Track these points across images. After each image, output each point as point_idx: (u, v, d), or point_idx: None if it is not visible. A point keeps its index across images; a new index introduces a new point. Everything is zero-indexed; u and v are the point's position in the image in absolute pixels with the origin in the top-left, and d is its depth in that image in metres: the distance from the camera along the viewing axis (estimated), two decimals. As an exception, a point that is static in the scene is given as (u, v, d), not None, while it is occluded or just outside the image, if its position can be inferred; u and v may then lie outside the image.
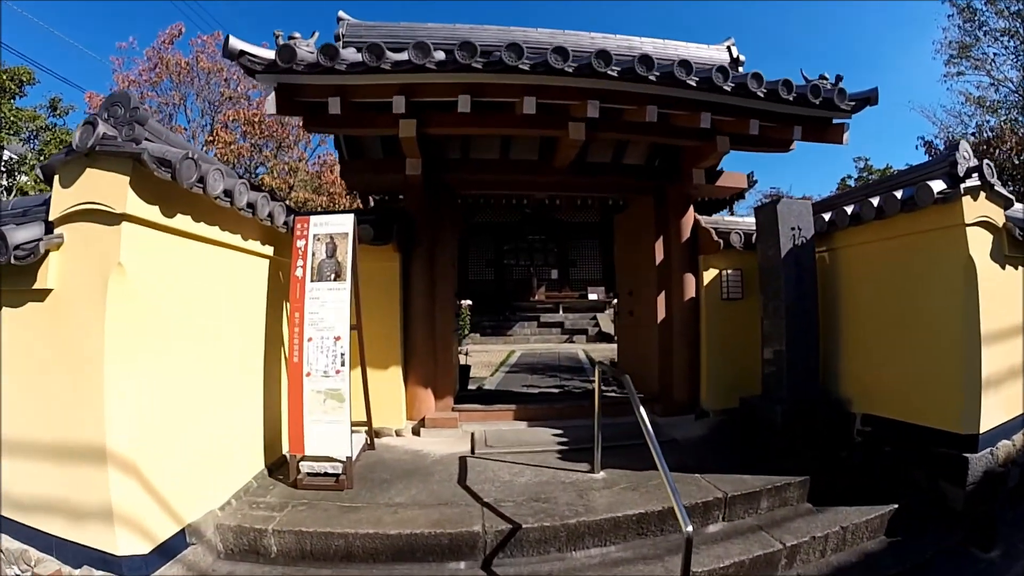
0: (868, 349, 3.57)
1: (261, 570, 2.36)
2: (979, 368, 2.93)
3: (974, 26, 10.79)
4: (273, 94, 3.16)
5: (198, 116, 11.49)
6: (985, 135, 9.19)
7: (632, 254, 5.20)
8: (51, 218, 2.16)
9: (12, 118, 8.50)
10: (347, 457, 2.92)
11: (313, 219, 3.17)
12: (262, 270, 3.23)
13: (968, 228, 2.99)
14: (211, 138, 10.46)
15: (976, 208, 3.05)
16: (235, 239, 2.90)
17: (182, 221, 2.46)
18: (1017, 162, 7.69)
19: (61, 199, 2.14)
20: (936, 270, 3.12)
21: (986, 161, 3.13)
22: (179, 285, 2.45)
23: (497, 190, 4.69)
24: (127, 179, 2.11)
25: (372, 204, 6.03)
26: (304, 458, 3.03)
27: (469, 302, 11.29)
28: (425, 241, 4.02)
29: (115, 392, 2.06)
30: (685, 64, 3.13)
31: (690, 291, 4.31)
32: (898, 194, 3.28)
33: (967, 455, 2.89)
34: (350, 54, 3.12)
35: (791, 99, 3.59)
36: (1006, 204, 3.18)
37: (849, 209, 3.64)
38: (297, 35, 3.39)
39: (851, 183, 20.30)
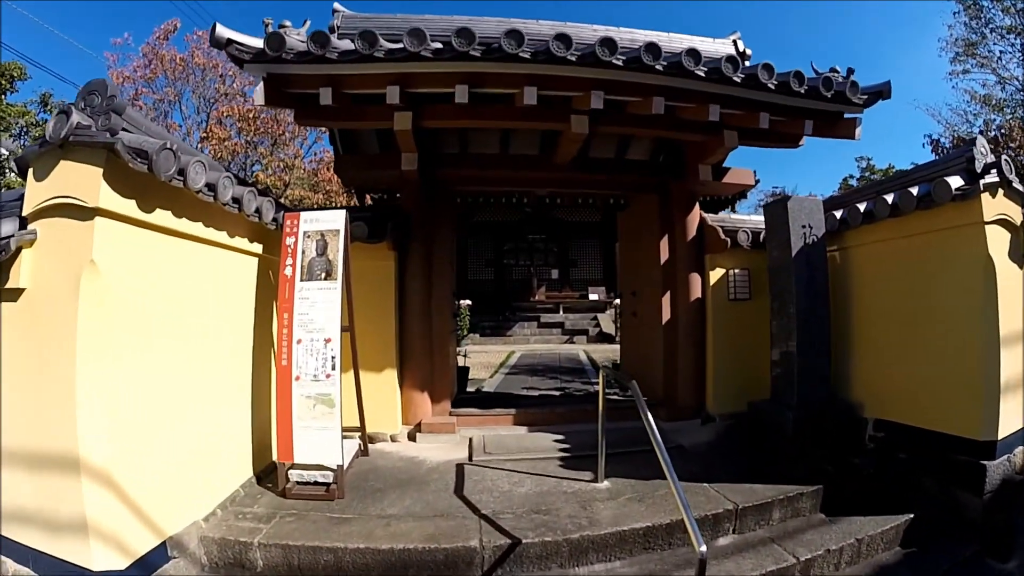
0: (880, 352, 3.46)
1: (245, 587, 2.22)
2: (997, 371, 2.82)
3: (980, 23, 10.63)
4: (262, 84, 3.01)
5: (194, 113, 11.38)
6: (992, 133, 9.06)
7: (636, 253, 5.06)
8: (25, 213, 2.04)
9: (2, 114, 8.35)
10: (338, 465, 2.78)
11: (303, 216, 3.03)
12: (251, 269, 3.10)
13: (987, 226, 2.88)
14: (205, 134, 10.29)
15: (994, 205, 2.94)
16: (221, 236, 2.77)
17: (162, 216, 2.34)
18: (1026, 160, 7.57)
19: (35, 193, 2.02)
20: (953, 270, 3.00)
21: (1004, 157, 3.01)
22: (160, 284, 2.33)
23: (496, 187, 4.54)
24: (100, 171, 1.99)
25: (370, 203, 5.90)
26: (293, 466, 2.89)
27: (468, 302, 11.18)
28: (421, 239, 3.87)
29: (88, 397, 1.94)
30: (693, 53, 2.99)
31: (696, 291, 4.17)
32: (914, 191, 3.16)
33: (984, 462, 2.78)
34: (342, 43, 2.98)
35: (802, 92, 3.45)
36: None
37: (862, 206, 3.53)
38: (288, 23, 3.25)
39: (853, 183, 20.20)
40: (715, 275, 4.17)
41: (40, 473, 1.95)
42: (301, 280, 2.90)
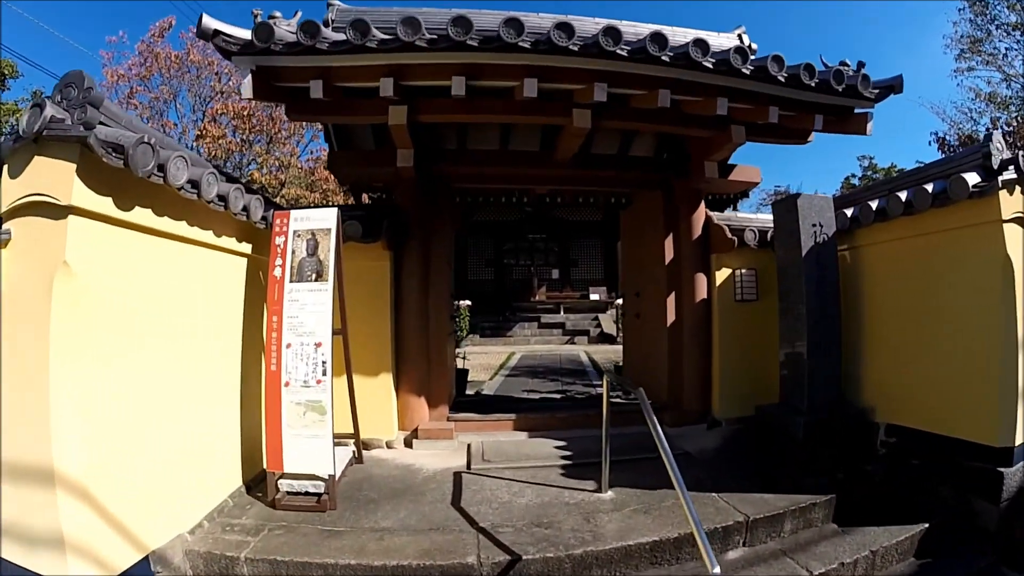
0: (892, 354, 3.35)
1: (230, 606, 2.10)
2: (1016, 375, 2.71)
3: (985, 20, 10.51)
4: (249, 77, 2.88)
5: (189, 112, 11.23)
6: (999, 130, 8.92)
7: (639, 253, 4.93)
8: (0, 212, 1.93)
9: (-8, 112, 8.25)
10: (329, 475, 2.65)
11: (293, 214, 2.90)
12: (239, 270, 2.99)
13: (1004, 224, 2.77)
14: (200, 132, 10.15)
15: (1012, 203, 2.82)
16: (206, 236, 2.66)
17: (142, 215, 2.23)
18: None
19: (9, 191, 1.92)
20: (968, 269, 2.89)
21: (1021, 153, 2.89)
22: (141, 286, 2.22)
23: (496, 184, 4.41)
24: (73, 167, 1.88)
25: (368, 202, 5.78)
26: (284, 475, 2.77)
27: (468, 303, 11.06)
28: (418, 238, 3.74)
29: (63, 404, 1.84)
30: (701, 44, 2.87)
31: (701, 292, 4.04)
32: (928, 187, 3.05)
33: (1001, 469, 2.69)
34: (335, 35, 2.86)
35: (813, 85, 3.32)
36: (1042, 199, 2.93)
37: (874, 204, 3.41)
38: (277, 14, 3.13)
39: (855, 182, 20.07)
40: (721, 275, 4.05)
41: (13, 484, 1.85)
42: (291, 281, 2.78)
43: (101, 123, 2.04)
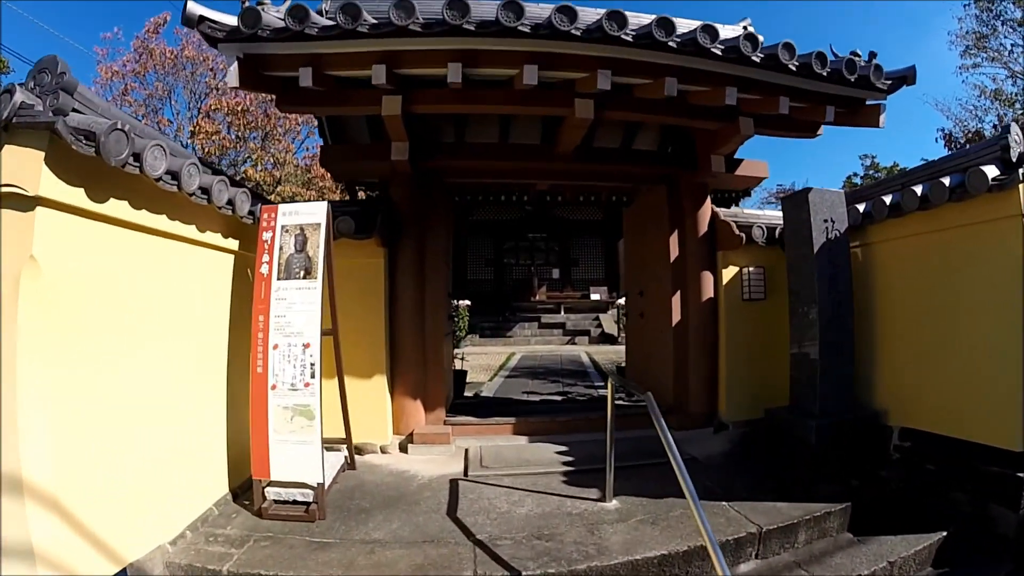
0: (906, 355, 3.23)
1: (209, 624, 1.97)
2: (1037, 377, 2.57)
3: (991, 16, 10.38)
4: (235, 64, 2.75)
5: (185, 109, 11.06)
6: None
7: (642, 250, 4.78)
8: (-28, 205, 1.82)
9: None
10: (318, 483, 2.51)
11: (281, 208, 2.76)
12: (225, 267, 2.86)
13: (1024, 220, 2.62)
14: (194, 128, 10.00)
15: (1031, 198, 2.69)
16: (189, 231, 2.52)
17: (118, 207, 2.10)
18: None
19: (-22, 182, 1.80)
20: (986, 267, 2.77)
21: (1042, 145, 2.75)
22: (117, 282, 2.09)
23: (495, 179, 4.26)
24: (42, 155, 1.76)
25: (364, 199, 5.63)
26: (271, 483, 2.63)
27: (467, 302, 10.92)
28: (413, 234, 3.61)
29: (32, 409, 1.72)
30: (709, 30, 2.73)
31: (708, 291, 3.90)
32: (945, 181, 2.92)
33: (1021, 475, 2.56)
34: (325, 20, 2.72)
35: (825, 74, 3.19)
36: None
37: (887, 199, 3.28)
38: (266, 0, 2.99)
39: (857, 181, 19.93)
40: (728, 273, 3.91)
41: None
42: (278, 279, 2.64)
43: (75, 110, 1.93)
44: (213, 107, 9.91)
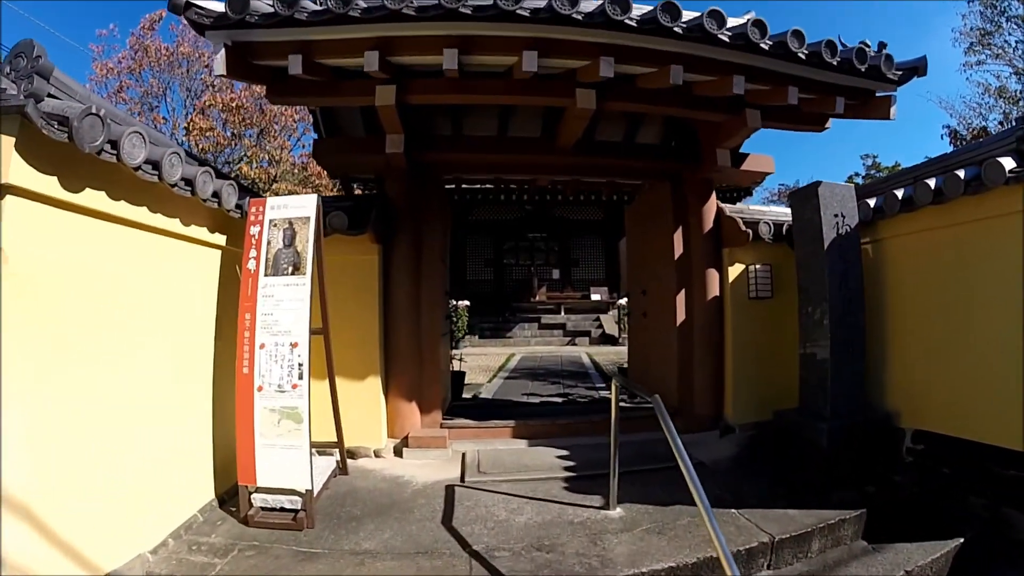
0: (919, 355, 3.12)
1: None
2: (1055, 377, 2.48)
3: (995, 12, 10.28)
4: (223, 51, 2.63)
5: (181, 106, 10.94)
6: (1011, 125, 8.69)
7: (645, 248, 4.66)
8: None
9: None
10: (307, 490, 2.39)
11: (270, 201, 2.65)
12: (212, 263, 2.75)
13: (1042, 213, 2.53)
14: (187, 125, 9.87)
15: (1050, 190, 2.59)
16: (172, 224, 2.42)
17: (94, 198, 2.00)
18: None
19: (-51, 170, 1.70)
20: (1002, 262, 2.65)
21: (1059, 136, 2.65)
22: (94, 277, 1.99)
23: (493, 173, 4.14)
24: (12, 140, 1.65)
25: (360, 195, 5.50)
26: (258, 490, 2.51)
27: (466, 303, 10.80)
28: (409, 230, 3.48)
29: (3, 412, 1.61)
30: (716, 15, 2.61)
31: (713, 289, 3.78)
32: (960, 174, 2.81)
33: (1040, 478, 2.46)
34: (316, 5, 2.60)
35: (835, 64, 3.07)
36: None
37: (899, 193, 3.16)
38: (255, -15, 2.87)
39: (859, 181, 19.84)
40: (734, 271, 3.79)
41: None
42: (265, 275, 2.52)
43: (51, 95, 1.83)
44: (208, 103, 9.77)
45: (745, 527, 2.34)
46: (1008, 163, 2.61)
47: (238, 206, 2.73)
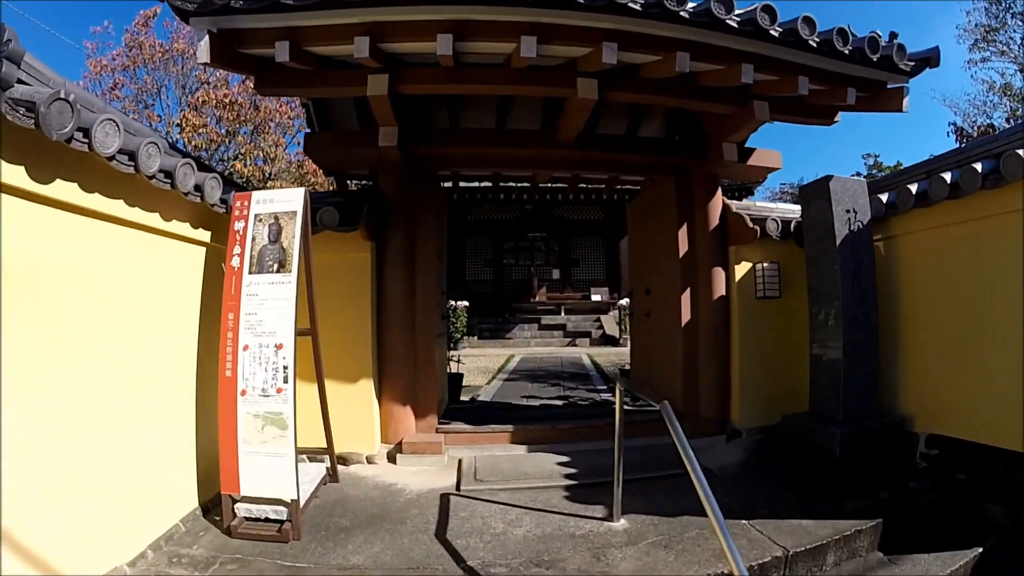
0: (933, 357, 3.00)
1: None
2: (1077, 379, 2.37)
3: (1001, 8, 10.15)
4: (206, 38, 2.50)
5: (176, 105, 10.79)
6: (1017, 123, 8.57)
7: (648, 246, 4.52)
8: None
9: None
10: (292, 500, 2.26)
11: (255, 195, 2.52)
12: (196, 260, 2.62)
13: (1065, 208, 2.43)
14: (180, 121, 9.72)
15: (1071, 185, 2.48)
16: (152, 219, 2.29)
17: (64, 189, 1.87)
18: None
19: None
20: (1021, 259, 2.52)
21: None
22: (66, 274, 1.87)
23: (491, 168, 4.01)
24: None
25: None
26: (243, 499, 2.38)
27: (465, 303, 10.67)
28: (403, 227, 3.35)
29: None
30: (724, 0, 2.49)
31: (719, 288, 3.65)
32: (977, 167, 2.69)
33: (1061, 485, 2.36)
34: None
35: (846, 52, 2.95)
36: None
37: (913, 187, 3.04)
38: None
39: (861, 180, 19.65)
40: (740, 270, 3.67)
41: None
42: (250, 273, 2.38)
43: (21, 81, 1.71)
44: (201, 99, 9.62)
45: (757, 540, 2.20)
46: (1027, 155, 2.49)
47: (223, 200, 2.60)
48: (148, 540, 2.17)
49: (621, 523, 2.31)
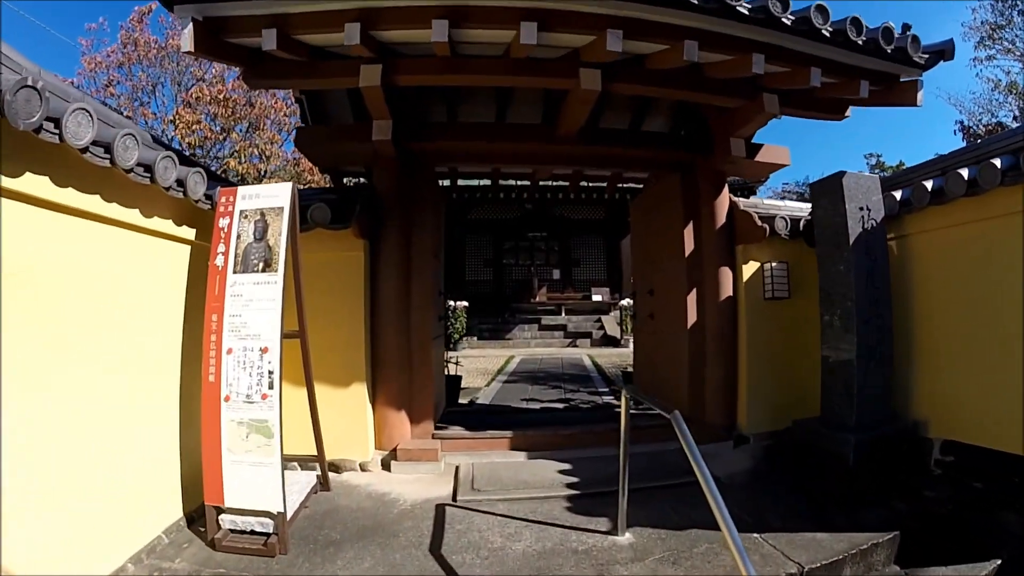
0: (948, 361, 2.90)
1: None
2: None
3: (1007, 6, 10.02)
4: (190, 26, 2.38)
5: (172, 102, 10.62)
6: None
7: (652, 245, 4.40)
8: None
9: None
10: (279, 512, 2.13)
11: (241, 191, 2.39)
12: (179, 259, 2.51)
13: (1088, 205, 2.32)
14: (173, 118, 9.56)
15: (1091, 179, 2.37)
16: (131, 215, 2.18)
17: (35, 183, 1.75)
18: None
19: None
20: None
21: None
22: (36, 274, 1.75)
23: (490, 164, 3.88)
24: None
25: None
26: (227, 510, 2.25)
27: (465, 304, 10.55)
28: (398, 224, 3.22)
29: None
30: (734, -15, 2.36)
31: (726, 289, 3.52)
32: (996, 162, 2.58)
33: (1080, 494, 2.26)
34: (292, -25, 2.36)
35: (860, 43, 2.83)
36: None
37: (928, 184, 2.93)
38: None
39: (863, 180, 19.52)
40: (748, 269, 3.54)
41: None
42: (234, 272, 2.26)
43: None
44: (195, 96, 9.46)
45: (770, 555, 2.08)
46: (1051, 150, 2.38)
47: (207, 196, 2.48)
48: (129, 552, 2.07)
49: (626, 537, 2.19)
